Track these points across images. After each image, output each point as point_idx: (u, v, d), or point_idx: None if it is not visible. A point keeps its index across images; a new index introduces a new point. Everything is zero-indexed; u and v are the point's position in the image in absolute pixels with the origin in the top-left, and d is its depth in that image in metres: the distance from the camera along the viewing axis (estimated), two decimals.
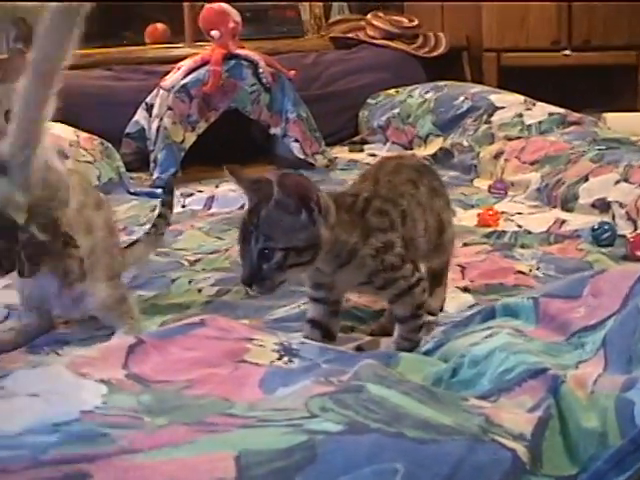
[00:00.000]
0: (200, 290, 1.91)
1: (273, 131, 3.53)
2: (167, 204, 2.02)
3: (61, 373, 1.06)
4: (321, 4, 4.97)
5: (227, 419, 0.90)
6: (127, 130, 3.68)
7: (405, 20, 4.49)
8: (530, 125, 3.27)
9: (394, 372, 1.05)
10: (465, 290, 1.81)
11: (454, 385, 1.05)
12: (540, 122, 3.27)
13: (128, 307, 1.66)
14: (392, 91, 4.04)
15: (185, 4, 4.57)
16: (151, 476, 0.77)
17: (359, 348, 1.50)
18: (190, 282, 1.98)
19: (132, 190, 3.22)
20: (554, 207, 2.56)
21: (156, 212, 2.03)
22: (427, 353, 1.22)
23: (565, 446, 0.89)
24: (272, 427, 0.86)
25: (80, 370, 1.06)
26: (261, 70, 3.47)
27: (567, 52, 4.21)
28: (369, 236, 1.35)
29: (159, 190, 3.17)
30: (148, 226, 2.47)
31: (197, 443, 0.83)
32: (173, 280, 2.01)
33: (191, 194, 3.03)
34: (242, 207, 2.76)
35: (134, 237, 2.44)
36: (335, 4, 5.10)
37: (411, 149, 3.69)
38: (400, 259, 1.38)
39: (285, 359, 1.13)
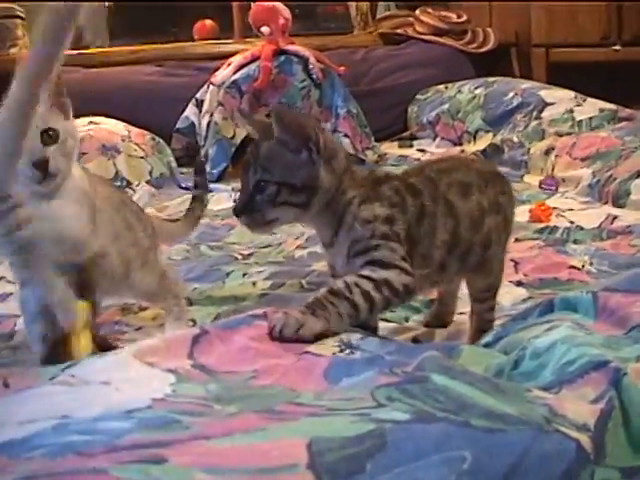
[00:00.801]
0: (254, 283, 1.94)
1: (323, 126, 3.55)
2: (200, 185, 1.98)
3: (129, 362, 1.09)
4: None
5: (295, 408, 0.92)
6: (177, 126, 3.72)
7: (454, 16, 4.48)
8: (581, 121, 3.27)
9: (457, 363, 1.06)
10: (519, 284, 1.82)
11: (516, 377, 1.06)
12: (591, 118, 3.26)
13: (168, 285, 1.68)
14: (441, 87, 4.05)
15: (234, 1, 4.60)
16: (225, 461, 0.79)
17: (415, 339, 1.51)
18: (244, 275, 2.01)
19: (183, 185, 3.26)
20: (605, 203, 2.56)
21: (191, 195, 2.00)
22: (487, 346, 1.23)
23: (627, 438, 0.89)
24: (340, 416, 0.88)
25: (147, 359, 1.08)
26: (311, 66, 3.49)
27: (617, 47, 4.18)
28: (373, 201, 1.29)
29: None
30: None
31: (268, 430, 0.85)
32: (227, 273, 2.04)
33: None
34: None
35: None
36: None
37: (460, 145, 3.69)
38: (396, 238, 1.29)
39: (347, 351, 1.14)
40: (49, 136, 1.35)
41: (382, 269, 1.26)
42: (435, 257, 1.35)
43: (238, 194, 1.30)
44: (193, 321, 1.67)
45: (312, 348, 1.15)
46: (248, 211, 1.27)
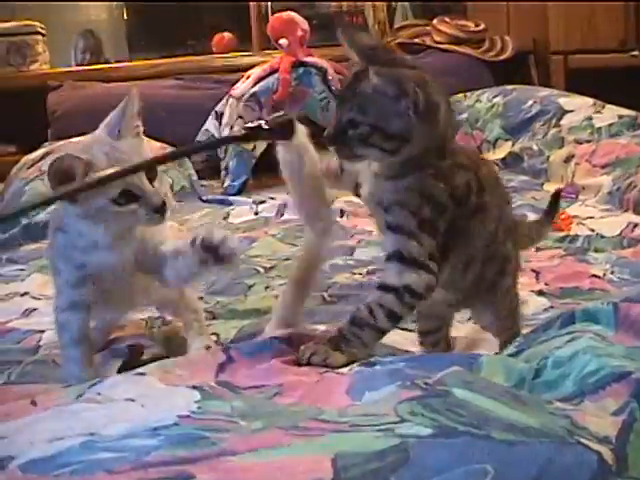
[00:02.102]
0: (277, 296, 1.94)
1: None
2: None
3: (153, 382, 1.10)
4: (385, 9, 4.98)
5: (320, 424, 0.93)
6: (197, 138, 3.74)
7: (471, 24, 4.49)
8: (600, 128, 3.25)
9: (478, 376, 1.07)
10: (540, 293, 1.81)
11: (537, 386, 1.07)
12: (610, 125, 3.25)
13: (188, 298, 1.68)
14: (460, 96, 4.04)
15: (252, 14, 4.62)
16: (251, 477, 0.81)
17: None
18: (267, 288, 2.02)
19: (204, 198, 3.28)
20: (626, 210, 2.55)
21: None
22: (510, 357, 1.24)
23: None
24: (364, 431, 0.89)
25: (171, 381, 1.10)
26: (330, 77, 3.50)
27: (635, 52, 4.16)
28: (440, 181, 1.27)
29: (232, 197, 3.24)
30: None
31: (293, 446, 0.87)
32: (250, 286, 2.05)
33: (263, 201, 3.07)
34: None
35: None
36: (398, 8, 5.12)
37: (480, 153, 3.69)
38: (433, 231, 1.27)
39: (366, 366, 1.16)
40: (150, 173, 1.35)
41: (407, 269, 1.26)
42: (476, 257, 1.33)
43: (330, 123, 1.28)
44: (216, 335, 1.68)
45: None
46: (339, 142, 1.26)
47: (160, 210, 1.33)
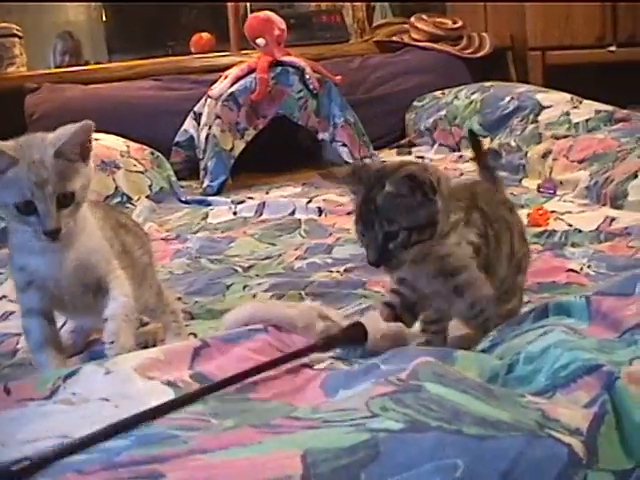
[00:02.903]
0: (255, 295, 1.94)
1: (321, 136, 3.57)
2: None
3: (130, 376, 1.10)
4: (364, 8, 4.99)
5: (292, 421, 0.93)
6: (176, 139, 3.74)
7: (449, 22, 4.50)
8: (577, 123, 3.27)
9: (450, 369, 1.07)
10: None
11: (510, 381, 1.07)
12: (587, 120, 3.26)
13: (166, 300, 1.70)
14: (438, 93, 4.06)
15: (230, 14, 4.62)
16: (221, 474, 0.81)
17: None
18: (245, 288, 2.02)
19: (183, 198, 3.27)
20: (603, 205, 2.55)
21: None
22: (483, 352, 1.24)
23: (621, 441, 0.90)
24: (335, 427, 0.89)
25: (147, 373, 1.10)
26: (307, 76, 3.50)
27: (612, 48, 4.18)
28: (471, 227, 1.38)
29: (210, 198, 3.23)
30: (200, 234, 2.53)
31: (264, 444, 0.87)
32: (228, 286, 2.04)
33: (242, 201, 3.06)
34: (293, 213, 2.81)
35: (187, 245, 2.50)
36: (377, 7, 5.12)
37: (458, 150, 3.70)
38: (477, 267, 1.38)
39: (344, 362, 1.16)
40: (64, 198, 1.36)
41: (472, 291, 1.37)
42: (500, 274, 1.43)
43: (365, 247, 1.34)
44: (194, 335, 1.68)
45: (309, 361, 1.16)
46: (385, 260, 1.31)
47: (49, 234, 1.35)
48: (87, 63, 4.82)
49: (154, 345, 1.62)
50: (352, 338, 1.29)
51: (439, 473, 0.80)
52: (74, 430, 0.96)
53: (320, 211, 2.78)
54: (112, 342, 1.40)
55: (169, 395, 1.04)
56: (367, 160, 1.36)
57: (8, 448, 0.93)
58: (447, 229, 1.34)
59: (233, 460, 0.84)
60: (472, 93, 3.85)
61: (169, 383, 1.07)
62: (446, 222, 1.33)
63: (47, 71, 4.51)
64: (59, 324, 1.65)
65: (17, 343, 1.70)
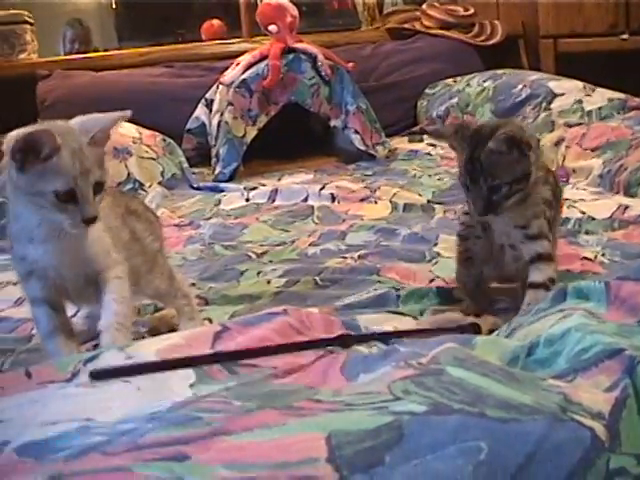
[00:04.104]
0: (269, 281, 1.95)
1: (333, 123, 3.56)
2: None
3: (149, 358, 1.11)
4: None
5: (314, 404, 0.93)
6: (188, 126, 3.74)
7: (461, 9, 4.49)
8: (590, 111, 3.26)
9: (471, 353, 1.07)
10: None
11: (530, 364, 1.07)
12: (600, 108, 3.25)
13: (177, 285, 1.70)
14: (450, 81, 4.05)
15: (241, 0, 4.61)
16: (246, 456, 0.81)
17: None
18: (259, 274, 2.02)
19: (195, 185, 3.27)
20: (617, 193, 2.55)
21: None
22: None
23: None
24: (358, 410, 0.89)
25: (168, 357, 1.11)
26: (320, 63, 3.50)
27: (625, 36, 4.17)
28: (546, 184, 1.61)
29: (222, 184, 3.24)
30: (213, 221, 2.53)
31: (288, 425, 0.87)
32: (242, 272, 2.04)
33: (254, 188, 3.06)
34: (306, 199, 2.81)
35: (200, 231, 2.50)
36: None
37: None
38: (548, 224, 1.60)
39: (363, 345, 1.16)
40: (98, 186, 1.37)
41: (546, 265, 1.58)
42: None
43: (471, 200, 1.56)
44: (209, 320, 1.69)
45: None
46: (491, 209, 1.52)
47: (88, 222, 1.35)
48: (96, 51, 4.83)
49: (169, 331, 1.63)
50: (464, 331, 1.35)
51: (463, 455, 0.80)
52: (96, 413, 0.96)
53: (333, 198, 2.78)
54: None
55: (191, 378, 1.04)
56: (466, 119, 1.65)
57: (30, 429, 0.93)
58: (533, 182, 1.54)
59: (258, 442, 0.84)
60: (484, 81, 3.85)
61: (190, 365, 1.07)
62: (536, 174, 1.54)
63: (58, 58, 4.52)
64: (74, 310, 1.66)
65: (32, 329, 1.71)
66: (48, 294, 1.44)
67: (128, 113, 1.45)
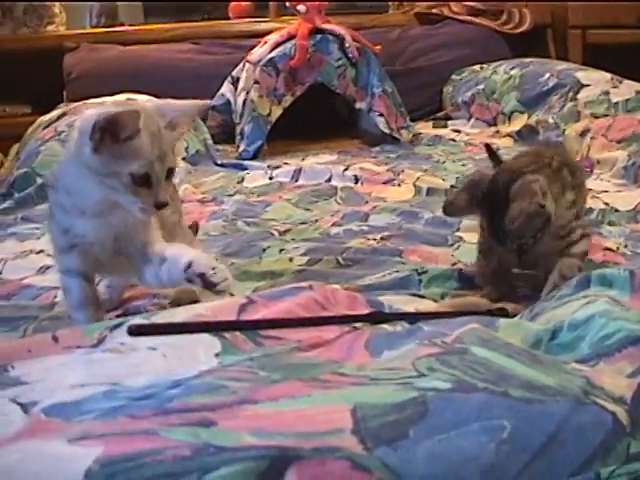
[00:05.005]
0: (291, 259, 1.95)
1: (358, 105, 3.56)
2: None
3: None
4: None
5: (339, 377, 0.95)
6: (213, 103, 3.73)
7: None
8: (617, 103, 3.23)
9: (496, 335, 1.08)
10: None
11: (553, 348, 1.08)
12: (627, 100, 3.23)
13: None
14: (477, 67, 4.04)
15: None
16: (272, 425, 0.82)
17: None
18: (281, 251, 2.02)
19: (219, 162, 3.28)
20: None
21: None
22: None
23: None
24: (383, 385, 0.90)
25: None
26: (347, 45, 3.49)
27: None
28: (564, 190, 1.62)
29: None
30: (236, 197, 2.54)
31: (313, 396, 0.88)
32: (264, 249, 2.05)
33: (278, 166, 3.06)
34: (329, 180, 2.81)
35: (223, 207, 2.51)
36: None
37: (495, 125, 3.68)
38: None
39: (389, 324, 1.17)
40: (169, 172, 1.37)
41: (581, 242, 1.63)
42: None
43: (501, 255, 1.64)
44: (231, 295, 1.70)
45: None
46: (524, 260, 1.59)
47: (160, 207, 1.35)
48: (122, 25, 4.82)
49: (191, 303, 1.64)
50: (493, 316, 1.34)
51: (486, 433, 0.81)
52: (123, 378, 0.97)
53: (356, 179, 2.78)
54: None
55: (216, 347, 1.05)
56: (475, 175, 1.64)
57: (59, 392, 0.95)
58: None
59: (283, 411, 0.85)
60: (511, 68, 3.83)
61: (216, 334, 1.08)
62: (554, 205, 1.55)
63: (86, 31, 4.52)
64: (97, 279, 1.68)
65: (55, 297, 1.72)
66: (85, 267, 1.45)
67: (208, 103, 1.45)
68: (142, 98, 3.30)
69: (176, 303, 1.66)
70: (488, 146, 1.94)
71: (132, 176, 1.31)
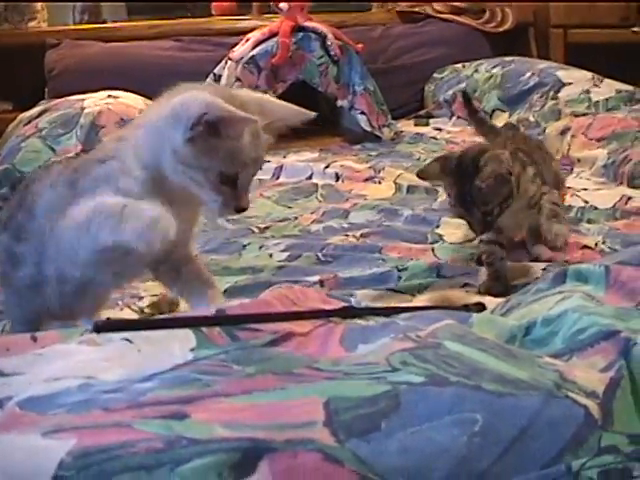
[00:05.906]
0: (271, 255, 1.96)
1: (340, 103, 3.56)
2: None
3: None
4: None
5: (314, 372, 0.95)
6: None
7: None
8: (597, 102, 3.25)
9: (469, 330, 1.09)
10: (533, 261, 1.84)
11: (527, 343, 1.09)
12: (607, 99, 3.24)
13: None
14: (458, 66, 4.04)
15: None
16: (245, 417, 0.82)
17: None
18: (261, 248, 2.03)
19: None
20: (620, 184, 2.55)
21: None
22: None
23: (636, 405, 0.92)
24: (357, 379, 0.91)
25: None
26: (329, 43, 3.50)
27: (636, 29, 4.16)
28: (525, 166, 1.78)
29: None
30: None
31: (287, 390, 0.88)
32: (244, 245, 2.06)
33: None
34: (310, 177, 2.82)
35: None
36: None
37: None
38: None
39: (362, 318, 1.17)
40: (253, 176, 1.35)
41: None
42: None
43: (467, 223, 1.76)
44: None
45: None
46: (488, 228, 1.71)
47: (240, 211, 1.32)
48: (105, 23, 4.81)
49: (169, 311, 1.64)
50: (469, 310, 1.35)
51: (458, 426, 0.81)
52: (98, 371, 0.97)
53: (337, 176, 2.79)
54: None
55: (192, 341, 1.05)
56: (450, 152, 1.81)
57: (33, 385, 0.95)
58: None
59: (256, 404, 0.85)
60: (493, 67, 3.84)
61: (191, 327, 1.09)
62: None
63: (68, 27, 4.50)
64: None
65: None
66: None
67: (312, 114, 1.41)
68: (125, 95, 3.30)
69: (154, 308, 1.66)
70: (465, 94, 2.30)
71: (221, 174, 1.26)
